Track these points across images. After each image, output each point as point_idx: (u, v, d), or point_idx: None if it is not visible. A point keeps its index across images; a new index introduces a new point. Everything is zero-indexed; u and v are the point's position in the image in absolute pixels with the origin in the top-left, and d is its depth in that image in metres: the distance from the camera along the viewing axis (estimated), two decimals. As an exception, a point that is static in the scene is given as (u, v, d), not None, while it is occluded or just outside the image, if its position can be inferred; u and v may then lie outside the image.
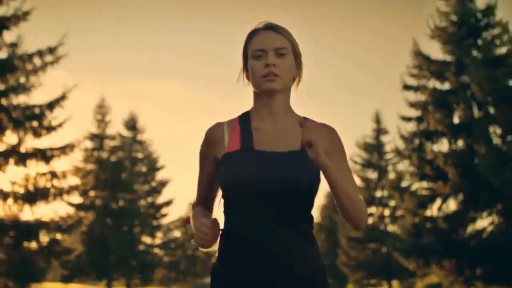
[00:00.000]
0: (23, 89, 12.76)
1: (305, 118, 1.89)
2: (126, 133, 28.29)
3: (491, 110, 12.29)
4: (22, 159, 13.04)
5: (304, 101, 2.07)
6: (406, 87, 14.56)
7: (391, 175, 15.07)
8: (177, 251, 32.48)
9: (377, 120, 27.57)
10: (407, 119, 14.80)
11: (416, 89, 14.51)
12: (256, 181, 1.72)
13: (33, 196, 12.86)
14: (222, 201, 1.83)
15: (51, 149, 13.44)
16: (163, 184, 28.47)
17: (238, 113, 1.91)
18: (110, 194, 24.68)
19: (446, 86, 14.27)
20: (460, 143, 13.60)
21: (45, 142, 13.83)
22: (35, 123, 13.17)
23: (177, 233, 34.40)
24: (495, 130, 12.63)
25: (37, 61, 13.28)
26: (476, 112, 13.38)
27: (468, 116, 13.13)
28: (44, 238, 12.63)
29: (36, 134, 13.42)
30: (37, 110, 13.08)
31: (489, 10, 13.77)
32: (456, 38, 14.07)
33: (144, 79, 42.91)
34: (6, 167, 12.63)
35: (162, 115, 43.60)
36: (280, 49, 1.80)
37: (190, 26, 37.56)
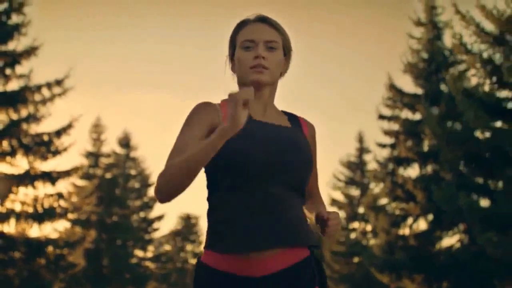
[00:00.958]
0: (34, 119, 14.18)
1: (284, 112, 1.88)
2: (120, 150, 29.69)
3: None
4: (31, 181, 14.43)
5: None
6: (381, 117, 16.17)
7: (368, 197, 16.60)
8: (168, 264, 33.77)
9: (360, 140, 29.23)
10: (382, 145, 16.40)
11: (390, 118, 16.13)
12: (272, 149, 1.67)
13: (41, 215, 14.25)
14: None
15: (58, 172, 14.84)
16: (155, 199, 29.85)
17: None
18: (105, 210, 26.04)
19: (417, 116, 15.89)
20: (429, 168, 15.19)
21: (51, 164, 15.16)
22: (43, 149, 14.58)
23: (167, 247, 35.74)
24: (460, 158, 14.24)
25: (45, 92, 14.74)
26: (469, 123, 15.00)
27: (435, 145, 14.74)
28: (52, 253, 13.99)
29: (43, 158, 14.84)
30: (45, 137, 14.51)
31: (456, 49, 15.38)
32: (426, 73, 15.71)
33: (131, 91, 43.64)
34: (18, 189, 14.02)
35: (150, 126, 44.69)
36: (271, 42, 1.76)
37: (175, 33, 38.36)
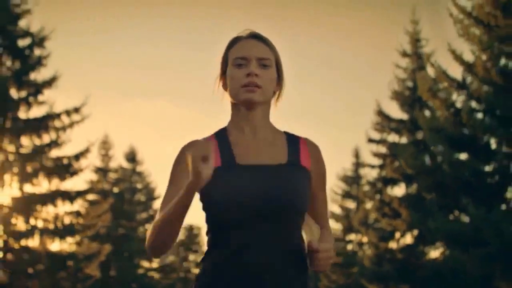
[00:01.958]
0: (55, 144, 15.87)
1: (285, 133, 1.82)
2: (126, 165, 31.38)
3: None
4: (52, 200, 16.09)
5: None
6: (370, 140, 17.86)
7: (359, 213, 18.25)
8: (172, 274, 35.37)
9: (356, 155, 30.88)
10: (372, 166, 18.07)
11: (378, 142, 17.80)
12: (252, 198, 1.62)
13: (61, 231, 15.90)
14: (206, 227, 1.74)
15: (76, 192, 16.50)
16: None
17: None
18: (113, 223, 27.70)
19: (403, 140, 17.57)
20: (413, 188, 16.84)
21: (68, 183, 16.81)
22: (63, 170, 16.26)
23: (171, 258, 37.44)
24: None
25: (65, 119, 16.42)
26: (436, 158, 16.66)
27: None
28: (71, 266, 15.64)
29: (63, 178, 16.51)
30: (65, 161, 16.19)
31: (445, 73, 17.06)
32: (411, 100, 17.39)
33: (130, 99, 44.68)
34: (42, 208, 15.69)
35: (150, 134, 46.08)
36: (263, 59, 1.72)
37: (173, 37, 39.36)
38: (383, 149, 17.69)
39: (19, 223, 15.66)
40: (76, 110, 16.67)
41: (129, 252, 28.54)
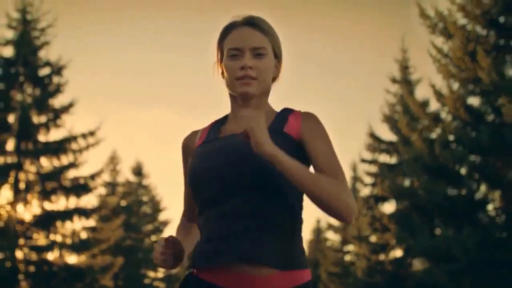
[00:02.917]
0: (73, 166, 17.48)
1: (284, 109, 1.79)
2: (133, 178, 33.00)
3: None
4: (69, 216, 17.67)
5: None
6: (363, 160, 19.44)
7: (353, 228, 19.79)
8: (176, 283, 36.91)
9: (354, 169, 32.45)
10: (364, 184, 19.65)
11: (370, 162, 19.38)
12: (206, 169, 1.65)
13: (78, 245, 17.48)
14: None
15: (91, 209, 18.08)
16: (165, 223, 33.18)
17: None
18: (122, 235, 29.30)
19: (393, 160, 19.14)
20: (402, 206, 18.39)
21: (83, 200, 18.35)
22: (79, 189, 17.85)
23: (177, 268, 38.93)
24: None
25: (81, 142, 18.03)
26: (414, 182, 18.22)
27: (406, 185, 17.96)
28: (88, 278, 17.20)
29: (79, 196, 18.10)
30: (82, 181, 17.79)
31: (425, 104, 18.64)
32: (400, 124, 18.96)
33: (129, 109, 45.75)
34: (60, 224, 17.28)
35: (151, 144, 47.38)
36: (258, 48, 1.68)
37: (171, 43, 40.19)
38: (374, 169, 19.26)
39: (40, 238, 17.25)
40: (92, 133, 18.30)
41: (136, 263, 30.10)
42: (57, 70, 18.18)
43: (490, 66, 11.15)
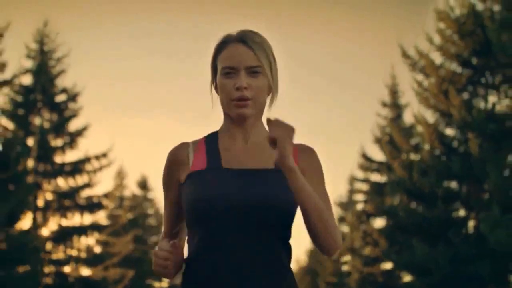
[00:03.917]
0: (88, 186, 19.22)
1: None
2: (138, 192, 34.76)
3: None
4: (84, 232, 19.38)
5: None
6: (355, 179, 21.15)
7: (346, 242, 21.48)
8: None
9: (351, 183, 34.15)
10: (357, 201, 21.36)
11: (362, 180, 21.10)
12: (223, 199, 1.63)
13: (92, 259, 19.18)
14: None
15: (104, 225, 19.79)
16: (169, 235, 34.95)
17: None
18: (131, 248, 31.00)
19: (383, 179, 20.85)
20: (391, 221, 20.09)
21: (97, 216, 20.08)
22: (94, 207, 19.58)
23: (179, 279, 40.64)
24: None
25: (95, 163, 19.76)
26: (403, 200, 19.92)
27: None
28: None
29: (93, 213, 19.81)
30: (95, 199, 19.52)
31: (413, 128, 20.33)
32: (389, 146, 20.68)
33: (130, 115, 46.01)
34: (76, 239, 18.99)
35: (152, 151, 48.54)
36: (253, 67, 1.69)
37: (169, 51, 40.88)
38: (366, 187, 20.99)
39: (57, 252, 18.95)
40: (104, 155, 20.04)
41: (142, 274, 31.81)
42: (72, 96, 19.93)
43: (461, 104, 12.91)
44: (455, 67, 14.34)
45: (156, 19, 36.71)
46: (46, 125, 19.55)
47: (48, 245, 18.87)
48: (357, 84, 39.48)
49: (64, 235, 18.99)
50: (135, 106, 42.89)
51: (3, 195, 12.54)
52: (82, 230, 19.29)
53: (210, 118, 1.87)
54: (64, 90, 19.95)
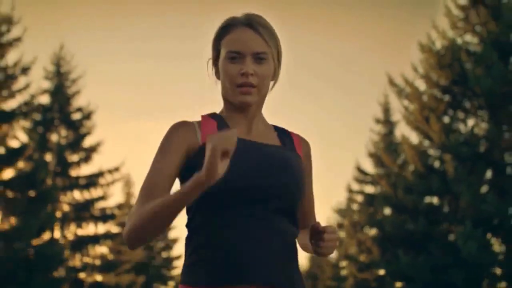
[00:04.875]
0: (102, 199, 20.99)
1: (275, 127, 1.81)
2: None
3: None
4: (98, 241, 21.14)
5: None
6: (350, 191, 22.89)
7: (341, 248, 23.17)
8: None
9: (349, 190, 35.89)
10: (353, 210, 23.10)
11: (357, 192, 22.84)
12: (259, 173, 1.59)
13: (106, 266, 20.93)
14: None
15: (115, 233, 21.52)
16: (175, 241, 36.71)
17: None
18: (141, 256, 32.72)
19: (377, 190, 22.56)
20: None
21: (108, 226, 21.89)
22: (107, 218, 21.33)
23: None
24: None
25: (108, 177, 21.51)
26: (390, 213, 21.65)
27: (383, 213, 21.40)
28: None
29: (105, 222, 21.57)
30: (109, 211, 21.28)
31: (397, 152, 21.94)
32: (382, 160, 22.41)
33: (136, 119, 46.17)
34: (91, 247, 20.75)
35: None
36: (259, 53, 1.65)
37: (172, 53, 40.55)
38: (360, 198, 22.73)
39: (74, 260, 20.71)
40: (116, 169, 21.80)
41: (149, 277, 33.56)
42: (87, 115, 21.69)
43: (440, 129, 14.66)
44: (436, 93, 16.06)
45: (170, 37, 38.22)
46: (63, 141, 21.31)
47: (65, 253, 20.60)
48: (358, 86, 41.16)
49: (80, 244, 20.75)
50: (134, 109, 43.55)
51: (33, 211, 14.29)
52: (96, 239, 21.05)
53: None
54: (79, 109, 21.71)
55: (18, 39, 15.07)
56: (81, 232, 21.01)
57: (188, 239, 1.66)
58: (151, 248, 34.16)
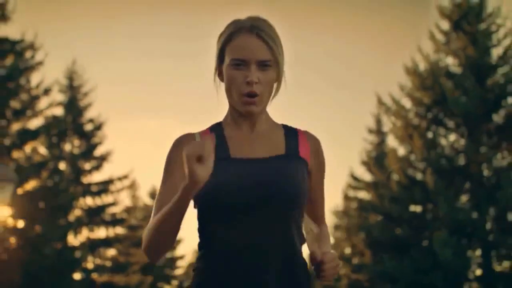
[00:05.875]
0: (114, 204, 22.78)
1: (283, 125, 1.86)
2: (149, 202, 38.28)
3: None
4: (109, 244, 22.90)
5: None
6: (346, 197, 24.65)
7: (336, 249, 24.90)
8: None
9: (345, 195, 37.67)
10: (348, 216, 24.86)
11: (351, 199, 24.59)
12: (238, 190, 1.66)
13: (116, 267, 22.70)
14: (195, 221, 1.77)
15: (126, 237, 23.29)
16: (178, 241, 38.49)
17: None
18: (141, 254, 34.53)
19: (369, 196, 24.30)
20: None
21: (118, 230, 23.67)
22: (118, 222, 23.10)
23: (187, 283, 44.38)
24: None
25: (118, 184, 23.27)
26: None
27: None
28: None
29: (114, 226, 23.34)
30: (118, 216, 23.05)
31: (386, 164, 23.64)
32: (375, 168, 24.16)
33: (137, 117, 46.04)
34: (103, 250, 22.52)
35: (157, 154, 49.82)
36: (264, 61, 1.71)
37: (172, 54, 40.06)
38: (355, 204, 24.48)
39: (87, 262, 22.47)
40: (126, 176, 23.56)
41: (154, 277, 35.32)
42: (98, 126, 23.44)
43: (423, 144, 16.42)
44: (420, 111, 17.81)
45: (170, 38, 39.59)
46: (76, 151, 23.06)
47: (78, 255, 22.35)
48: (359, 84, 42.64)
49: (92, 247, 22.52)
50: (139, 108, 44.18)
51: (58, 218, 16.04)
52: (107, 242, 22.83)
53: (217, 118, 1.86)
54: (91, 120, 23.45)
55: (40, 63, 16.77)
56: (93, 235, 22.78)
57: (198, 253, 1.78)
58: (155, 249, 35.86)
